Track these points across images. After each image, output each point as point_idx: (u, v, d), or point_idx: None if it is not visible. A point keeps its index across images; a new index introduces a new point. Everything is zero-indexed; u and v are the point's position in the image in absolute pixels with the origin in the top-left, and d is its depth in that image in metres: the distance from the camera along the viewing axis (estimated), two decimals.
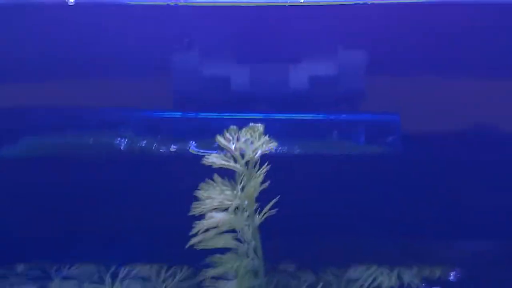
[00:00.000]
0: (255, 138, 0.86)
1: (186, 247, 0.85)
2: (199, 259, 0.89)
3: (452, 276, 1.05)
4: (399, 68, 0.98)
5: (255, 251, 0.90)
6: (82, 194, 1.04)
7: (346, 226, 1.04)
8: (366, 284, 1.03)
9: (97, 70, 1.00)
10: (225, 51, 0.99)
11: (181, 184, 0.91)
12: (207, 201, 0.85)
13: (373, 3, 0.94)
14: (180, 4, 0.96)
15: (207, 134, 0.96)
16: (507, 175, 1.00)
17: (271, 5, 0.95)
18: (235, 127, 0.87)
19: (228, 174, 0.87)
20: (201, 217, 0.85)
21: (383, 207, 1.02)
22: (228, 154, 0.86)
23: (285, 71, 0.99)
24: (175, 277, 1.05)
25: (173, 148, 1.01)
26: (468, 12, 0.94)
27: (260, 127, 0.87)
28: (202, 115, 1.01)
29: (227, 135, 0.86)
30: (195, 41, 0.98)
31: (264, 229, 0.89)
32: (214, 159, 0.85)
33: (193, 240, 0.84)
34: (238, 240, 0.89)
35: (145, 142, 1.02)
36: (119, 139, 1.02)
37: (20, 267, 1.08)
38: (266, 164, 0.86)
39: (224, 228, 0.86)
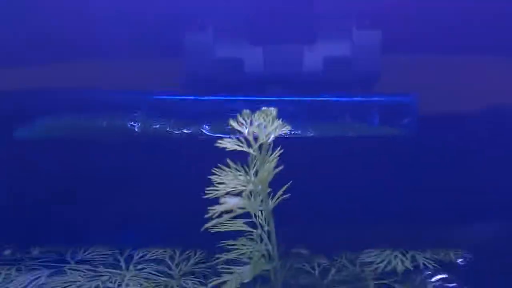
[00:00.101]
0: (268, 122, 0.86)
1: (201, 231, 0.86)
2: (213, 243, 0.90)
3: (465, 259, 1.05)
4: (414, 49, 0.97)
5: (268, 236, 0.90)
6: (97, 177, 1.04)
7: (360, 209, 1.03)
8: (380, 268, 1.03)
9: (111, 52, 1.00)
10: (238, 32, 0.98)
11: (194, 168, 0.91)
12: (221, 186, 0.85)
13: None
14: None
15: (220, 117, 0.96)
16: None
17: None
18: (248, 111, 0.87)
19: (240, 158, 0.87)
20: (215, 200, 0.85)
21: (397, 190, 1.02)
22: (241, 138, 0.86)
23: (299, 53, 0.98)
24: (189, 261, 1.06)
25: (186, 130, 1.01)
26: None
27: (273, 111, 0.87)
28: (215, 98, 1.01)
29: (240, 119, 0.86)
30: (208, 22, 0.97)
31: (277, 213, 0.89)
32: (227, 143, 0.85)
33: (207, 224, 0.85)
34: (252, 224, 0.89)
35: (158, 125, 1.02)
36: (132, 122, 1.02)
37: (35, 251, 1.09)
38: (279, 148, 0.86)
39: (238, 213, 0.86)
